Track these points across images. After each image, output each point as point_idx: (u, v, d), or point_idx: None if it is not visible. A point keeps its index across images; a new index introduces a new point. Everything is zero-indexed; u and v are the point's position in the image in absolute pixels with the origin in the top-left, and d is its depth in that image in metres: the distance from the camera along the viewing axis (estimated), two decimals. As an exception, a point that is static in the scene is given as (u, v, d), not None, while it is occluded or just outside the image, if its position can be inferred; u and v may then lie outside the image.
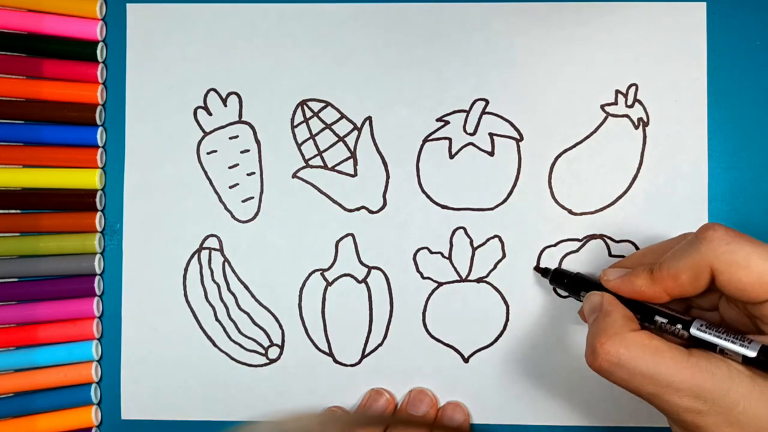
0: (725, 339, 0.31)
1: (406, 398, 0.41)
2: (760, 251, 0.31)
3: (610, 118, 0.41)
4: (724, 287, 0.31)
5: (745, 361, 0.31)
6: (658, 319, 0.34)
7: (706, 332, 0.32)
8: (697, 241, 0.32)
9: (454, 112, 0.41)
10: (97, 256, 0.41)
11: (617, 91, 0.41)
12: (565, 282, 0.39)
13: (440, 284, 0.41)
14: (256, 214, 0.42)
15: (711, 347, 0.32)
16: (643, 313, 0.34)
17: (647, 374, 0.31)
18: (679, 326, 0.33)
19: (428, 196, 0.41)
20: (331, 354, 0.42)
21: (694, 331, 0.33)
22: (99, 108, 0.42)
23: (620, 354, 0.32)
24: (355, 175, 0.42)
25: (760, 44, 0.41)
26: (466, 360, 0.41)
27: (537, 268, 0.41)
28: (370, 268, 0.41)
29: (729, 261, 0.31)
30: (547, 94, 0.41)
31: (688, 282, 0.32)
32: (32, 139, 0.42)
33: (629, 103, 0.41)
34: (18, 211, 0.42)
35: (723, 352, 0.31)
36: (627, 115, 0.41)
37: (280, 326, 0.42)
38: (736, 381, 0.31)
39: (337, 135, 0.42)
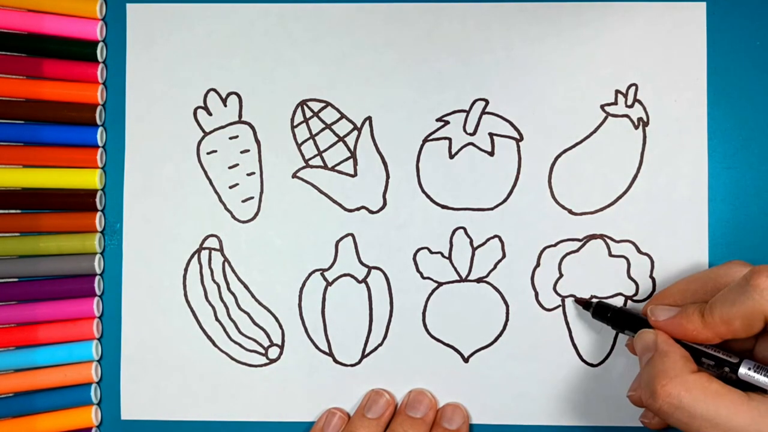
0: None
1: (406, 399, 0.41)
2: None
3: (610, 118, 0.41)
4: None
5: None
6: (705, 361, 0.34)
7: (756, 373, 0.33)
8: (750, 289, 0.32)
9: (454, 112, 0.41)
10: (97, 256, 0.41)
11: (617, 91, 0.41)
12: (608, 316, 0.38)
13: (440, 284, 0.41)
14: (256, 214, 0.42)
15: (759, 389, 0.32)
16: (691, 353, 0.34)
17: (707, 418, 0.31)
18: (727, 369, 0.33)
19: (428, 196, 0.41)
20: (331, 354, 0.42)
21: (743, 372, 0.33)
22: (99, 108, 0.42)
23: (681, 397, 0.32)
24: (355, 175, 0.42)
25: (760, 44, 0.41)
26: (466, 360, 0.41)
27: (578, 300, 0.40)
28: (370, 268, 0.41)
29: None
30: (547, 94, 0.41)
31: (742, 329, 0.33)
32: (32, 139, 0.42)
33: (629, 103, 0.41)
34: (18, 211, 0.42)
35: None
36: (627, 115, 0.41)
37: (280, 326, 0.42)
38: None
39: (337, 135, 0.42)
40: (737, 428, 0.31)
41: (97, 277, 0.42)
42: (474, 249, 0.41)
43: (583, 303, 0.40)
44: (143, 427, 0.42)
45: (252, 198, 0.42)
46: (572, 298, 0.40)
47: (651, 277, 0.40)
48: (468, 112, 0.41)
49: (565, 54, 0.41)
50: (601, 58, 0.41)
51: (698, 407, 0.32)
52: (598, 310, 0.39)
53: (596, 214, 0.41)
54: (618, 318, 0.38)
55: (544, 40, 0.41)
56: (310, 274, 0.42)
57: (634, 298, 0.40)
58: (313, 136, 0.42)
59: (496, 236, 0.41)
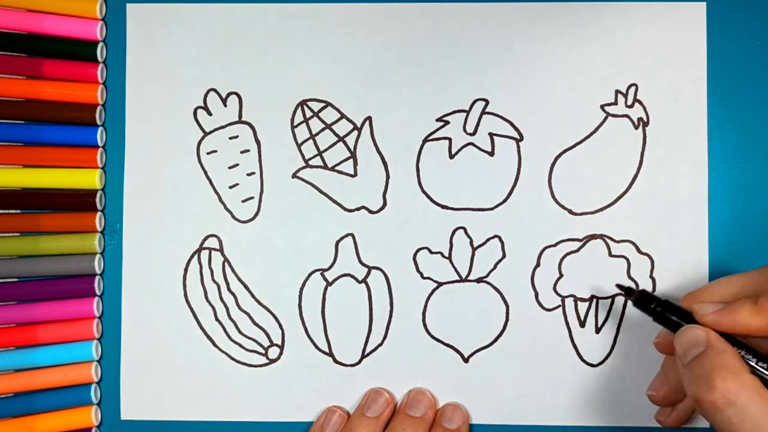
0: None
1: (405, 398, 0.41)
2: None
3: (610, 118, 0.41)
4: None
5: None
6: (752, 363, 0.33)
7: None
8: None
9: (454, 112, 0.41)
10: (97, 256, 0.41)
11: (617, 91, 0.41)
12: (652, 307, 0.37)
13: (440, 284, 0.41)
14: (256, 214, 0.42)
15: None
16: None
17: (756, 422, 0.31)
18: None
19: (428, 196, 0.41)
20: (331, 354, 0.42)
21: None
22: (99, 108, 0.42)
23: (740, 394, 0.31)
24: (355, 175, 0.42)
25: (760, 44, 0.41)
26: (466, 360, 0.41)
27: (621, 287, 0.39)
28: (370, 268, 0.41)
29: None
30: (547, 94, 0.41)
31: None
32: (32, 139, 0.42)
33: (629, 103, 0.41)
34: (18, 211, 0.42)
35: None
36: (627, 115, 0.41)
37: (280, 326, 0.42)
38: None
39: (337, 135, 0.42)
40: None
41: (97, 277, 0.42)
42: (474, 249, 0.41)
43: (626, 290, 0.38)
44: (143, 427, 0.42)
45: (252, 198, 0.42)
46: (618, 289, 0.39)
47: (651, 277, 0.40)
48: (468, 112, 0.41)
49: (565, 54, 0.41)
50: (601, 58, 0.41)
51: (751, 409, 0.31)
52: (641, 300, 0.37)
53: (596, 214, 0.41)
54: (664, 310, 0.36)
55: (544, 40, 0.41)
56: (310, 274, 0.42)
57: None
58: (313, 136, 0.42)
59: (496, 236, 0.41)
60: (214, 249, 0.42)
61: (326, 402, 0.41)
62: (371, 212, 0.41)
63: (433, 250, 0.41)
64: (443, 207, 0.41)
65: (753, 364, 0.33)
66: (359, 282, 0.41)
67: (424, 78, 0.41)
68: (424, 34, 0.41)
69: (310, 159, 0.42)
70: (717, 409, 0.31)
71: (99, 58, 0.42)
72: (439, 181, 0.41)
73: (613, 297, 0.41)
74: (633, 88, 0.41)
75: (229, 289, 0.42)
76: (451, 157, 0.41)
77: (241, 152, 0.42)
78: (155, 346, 0.42)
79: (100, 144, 0.42)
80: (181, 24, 0.42)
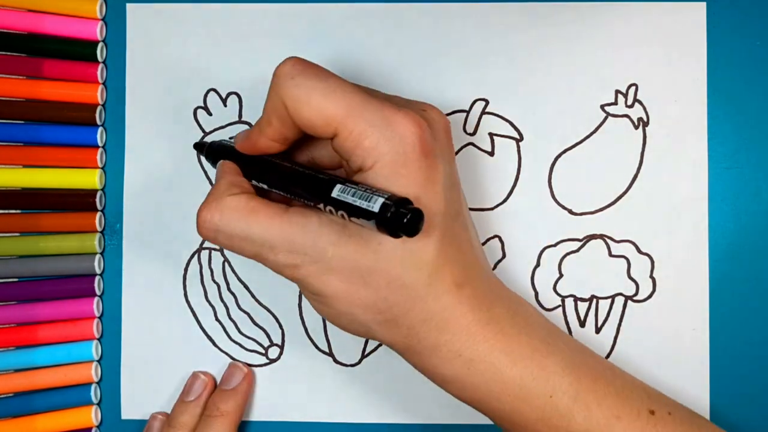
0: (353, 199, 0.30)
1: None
2: (322, 87, 0.31)
3: (610, 118, 0.41)
4: (297, 123, 0.32)
5: (377, 222, 0.29)
6: (261, 184, 0.34)
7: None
8: (273, 78, 0.32)
9: (454, 112, 0.41)
10: (97, 256, 0.41)
11: (617, 91, 0.41)
12: (205, 153, 0.37)
13: (440, 284, 0.41)
14: (256, 214, 0.42)
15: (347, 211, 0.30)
16: (281, 179, 0.33)
17: (242, 236, 0.32)
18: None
19: (428, 196, 0.41)
20: (331, 354, 0.42)
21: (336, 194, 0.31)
22: (99, 108, 0.42)
23: (215, 220, 0.32)
24: (355, 175, 0.42)
25: (760, 44, 0.41)
26: (466, 360, 0.41)
27: (196, 145, 0.39)
28: (370, 268, 0.41)
29: (294, 96, 0.31)
30: (547, 94, 0.41)
31: (279, 126, 0.32)
32: (32, 139, 0.42)
33: (629, 103, 0.41)
34: (18, 211, 0.42)
35: (353, 215, 0.30)
36: (627, 115, 0.41)
37: (280, 326, 0.42)
38: (325, 230, 0.31)
39: (337, 135, 0.42)
40: (271, 241, 0.32)
41: (97, 277, 0.42)
42: (474, 249, 0.41)
43: (198, 146, 0.39)
44: (143, 427, 0.42)
45: (252, 198, 0.42)
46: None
47: (651, 277, 0.40)
48: (468, 112, 0.41)
49: (565, 54, 0.41)
50: (601, 58, 0.41)
51: (232, 227, 0.32)
52: (209, 151, 0.37)
53: (596, 214, 0.41)
54: (215, 153, 0.37)
55: (544, 40, 0.41)
56: (310, 274, 0.41)
57: (634, 298, 0.40)
58: (313, 136, 0.42)
59: (496, 236, 0.41)
60: (214, 249, 0.42)
61: (326, 402, 0.41)
62: (371, 212, 0.41)
63: (433, 250, 0.41)
64: (443, 207, 0.41)
65: (254, 183, 0.34)
66: (359, 282, 0.41)
67: (424, 78, 0.41)
68: (424, 34, 0.41)
69: (310, 159, 0.42)
70: (211, 240, 0.33)
71: (99, 58, 0.42)
72: (439, 181, 0.41)
73: (613, 297, 0.41)
74: (633, 88, 0.41)
75: (229, 289, 0.42)
76: (451, 157, 0.41)
77: (241, 152, 0.42)
78: (155, 346, 0.42)
79: (100, 144, 0.42)
80: (181, 24, 0.42)
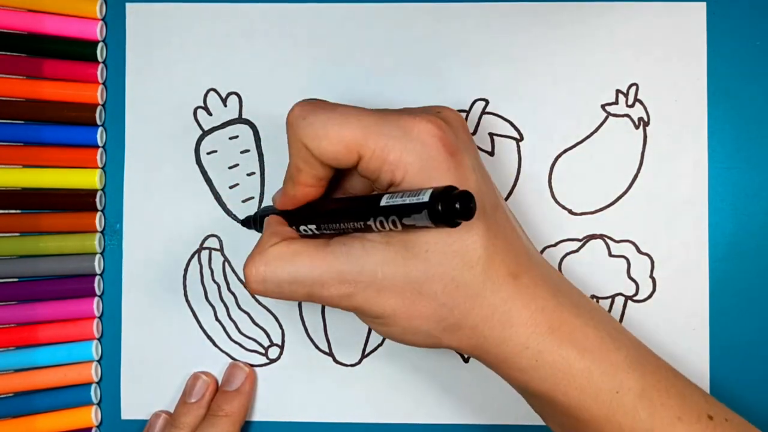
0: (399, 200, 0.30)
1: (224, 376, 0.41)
2: (335, 117, 0.31)
3: (610, 117, 0.41)
4: (322, 160, 0.32)
5: (429, 214, 0.28)
6: (304, 228, 0.34)
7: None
8: (287, 127, 0.32)
9: (454, 112, 0.41)
10: (97, 256, 0.41)
11: (618, 91, 0.41)
12: (256, 227, 0.38)
13: (440, 284, 0.41)
14: (256, 214, 0.42)
15: (393, 214, 0.30)
16: (322, 220, 0.33)
17: (290, 280, 0.32)
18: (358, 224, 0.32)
19: (428, 196, 0.41)
20: (331, 354, 0.42)
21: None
22: (99, 108, 0.42)
23: (261, 271, 0.32)
24: (355, 175, 0.42)
25: (760, 44, 0.41)
26: (466, 360, 0.41)
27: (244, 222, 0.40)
28: (370, 268, 0.41)
29: (311, 135, 0.31)
30: (547, 94, 0.41)
31: (309, 169, 0.33)
32: (32, 139, 0.42)
33: (630, 102, 0.41)
34: (18, 211, 0.42)
35: (405, 216, 0.29)
36: (627, 115, 0.41)
37: (280, 326, 0.42)
38: (370, 252, 0.31)
39: (337, 135, 0.42)
40: (318, 277, 0.32)
41: (97, 277, 0.42)
42: (474, 249, 0.41)
43: (243, 222, 0.40)
44: (143, 427, 0.42)
45: (252, 198, 0.42)
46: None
47: (651, 277, 0.41)
48: (468, 112, 0.41)
49: (565, 54, 0.41)
50: (601, 57, 0.41)
51: (278, 273, 0.32)
52: (248, 224, 0.39)
53: (596, 214, 0.41)
54: (261, 221, 0.37)
55: (544, 40, 0.41)
56: (310, 274, 0.41)
57: (635, 298, 0.40)
58: (313, 136, 0.42)
59: (496, 236, 0.41)
60: (214, 249, 0.42)
61: (326, 402, 0.41)
62: (371, 212, 0.41)
63: (433, 250, 0.41)
64: (443, 207, 0.41)
65: (303, 230, 0.34)
66: (359, 282, 0.41)
67: (424, 78, 0.41)
68: (424, 34, 0.41)
69: (310, 159, 0.42)
70: (261, 293, 0.33)
71: (99, 58, 0.42)
72: (439, 181, 0.41)
73: (613, 297, 0.41)
74: (633, 88, 0.41)
75: (229, 289, 0.42)
76: (451, 157, 0.41)
77: (241, 152, 0.42)
78: (155, 346, 0.42)
79: (100, 144, 0.42)
80: (181, 24, 0.42)
